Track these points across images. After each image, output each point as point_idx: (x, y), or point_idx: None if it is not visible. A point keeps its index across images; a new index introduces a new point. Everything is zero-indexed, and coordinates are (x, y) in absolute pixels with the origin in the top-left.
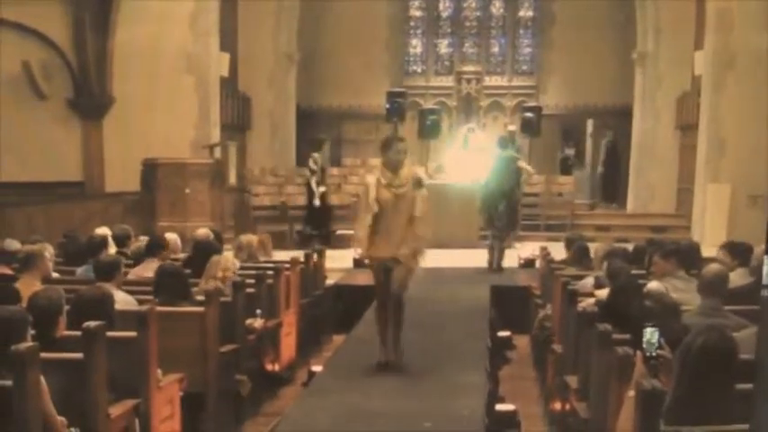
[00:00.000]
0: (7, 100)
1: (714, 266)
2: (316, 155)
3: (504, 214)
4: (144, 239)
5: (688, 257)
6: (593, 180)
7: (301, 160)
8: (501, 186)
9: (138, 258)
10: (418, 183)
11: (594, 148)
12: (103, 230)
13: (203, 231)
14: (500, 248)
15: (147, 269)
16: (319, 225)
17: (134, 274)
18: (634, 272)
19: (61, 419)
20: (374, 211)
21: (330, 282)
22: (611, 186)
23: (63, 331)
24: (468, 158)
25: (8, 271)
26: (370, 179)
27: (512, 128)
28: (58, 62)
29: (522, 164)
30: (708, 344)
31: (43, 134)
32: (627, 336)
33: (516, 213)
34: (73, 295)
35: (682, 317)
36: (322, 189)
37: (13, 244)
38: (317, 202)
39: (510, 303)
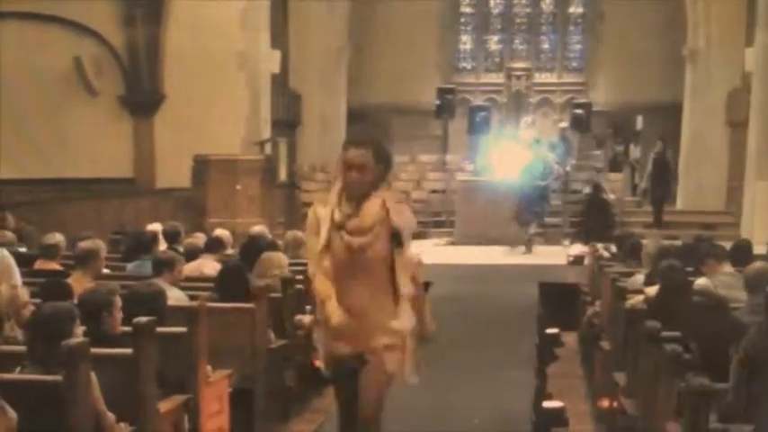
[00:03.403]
0: (59, 96)
1: (757, 264)
2: None
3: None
4: (199, 236)
5: (739, 255)
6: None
7: None
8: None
9: (190, 255)
10: (396, 237)
11: (644, 148)
12: (155, 226)
13: (259, 228)
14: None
15: (205, 266)
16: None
17: (190, 270)
18: (684, 269)
19: (111, 415)
20: (325, 256)
21: None
22: (657, 207)
23: (118, 327)
24: (519, 153)
25: (57, 266)
26: (322, 212)
27: (563, 125)
28: (109, 58)
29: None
30: None
31: (94, 130)
32: (676, 333)
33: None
34: (125, 291)
35: (731, 313)
36: None
37: (54, 237)
38: None
39: (558, 300)
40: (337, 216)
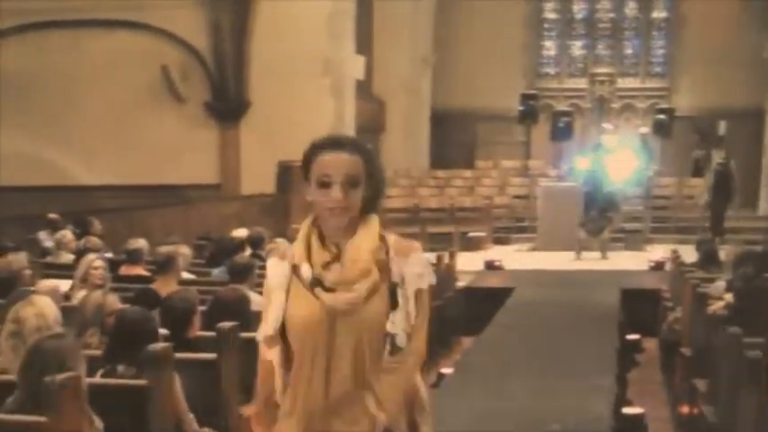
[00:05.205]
0: (147, 103)
1: None
2: None
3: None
4: (279, 241)
5: None
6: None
7: (435, 162)
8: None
9: None
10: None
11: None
12: (241, 232)
13: None
14: None
15: None
16: None
17: None
18: (763, 274)
19: (193, 418)
20: (273, 346)
21: (461, 284)
22: (717, 219)
23: (197, 332)
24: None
25: (143, 272)
26: (276, 270)
27: (644, 130)
28: (195, 66)
29: None
30: None
31: (181, 137)
32: (758, 339)
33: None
34: (210, 297)
35: None
36: None
37: (137, 242)
38: None
39: (639, 306)
40: (306, 272)
